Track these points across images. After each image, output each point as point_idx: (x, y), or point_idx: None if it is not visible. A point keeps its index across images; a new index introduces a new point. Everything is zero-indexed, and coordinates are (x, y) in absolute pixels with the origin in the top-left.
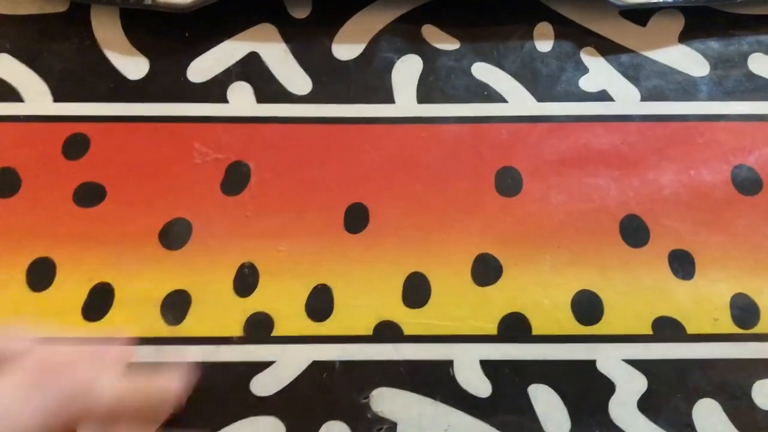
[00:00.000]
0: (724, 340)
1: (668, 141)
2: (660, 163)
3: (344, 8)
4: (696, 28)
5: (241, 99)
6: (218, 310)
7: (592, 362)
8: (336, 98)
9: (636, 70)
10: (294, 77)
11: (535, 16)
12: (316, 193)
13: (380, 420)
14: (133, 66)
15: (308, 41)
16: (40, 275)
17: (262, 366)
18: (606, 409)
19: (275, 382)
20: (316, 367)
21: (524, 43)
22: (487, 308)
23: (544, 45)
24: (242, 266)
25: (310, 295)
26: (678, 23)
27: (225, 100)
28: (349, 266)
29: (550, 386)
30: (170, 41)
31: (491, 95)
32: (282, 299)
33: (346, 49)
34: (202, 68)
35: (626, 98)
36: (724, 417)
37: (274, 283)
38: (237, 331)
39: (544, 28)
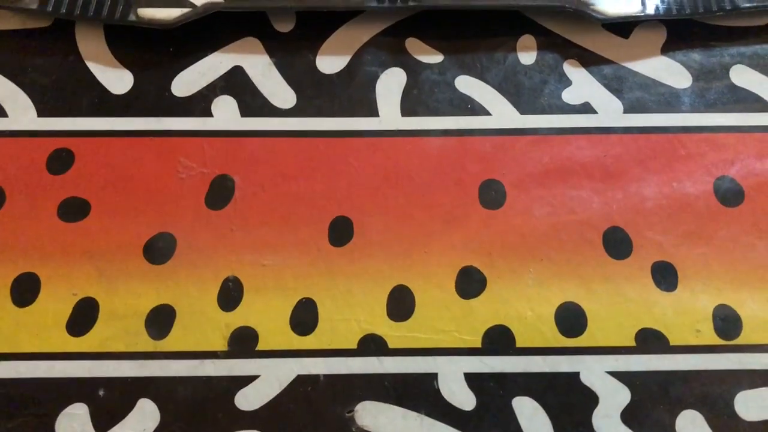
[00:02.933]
0: (706, 352)
1: (651, 153)
2: (643, 175)
3: (328, 22)
4: (678, 40)
5: (226, 113)
6: (202, 325)
7: (576, 374)
8: (320, 112)
9: (619, 83)
10: (278, 91)
11: (518, 28)
12: (301, 206)
13: None
14: (118, 80)
15: (292, 55)
16: (25, 290)
17: (246, 380)
18: (590, 422)
19: (260, 396)
20: (301, 381)
21: (507, 55)
22: (471, 321)
23: (527, 57)
24: (226, 280)
25: (294, 309)
26: (660, 35)
27: (209, 114)
28: (333, 280)
29: (534, 399)
30: (154, 55)
31: (475, 108)
32: (266, 313)
33: (330, 62)
34: (186, 82)
35: (609, 110)
36: (707, 428)
37: (259, 297)
38: (221, 345)
39: (527, 40)
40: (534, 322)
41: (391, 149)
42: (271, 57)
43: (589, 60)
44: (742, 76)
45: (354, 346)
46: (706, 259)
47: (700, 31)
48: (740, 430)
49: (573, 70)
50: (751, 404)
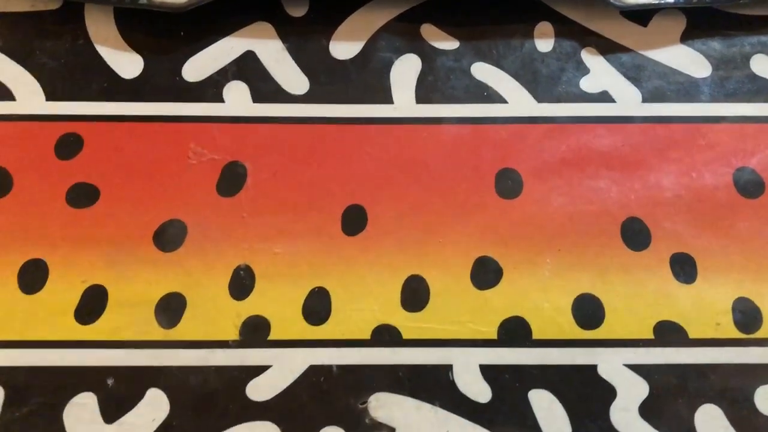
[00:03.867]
0: (726, 345)
1: (670, 143)
2: (661, 165)
3: (342, 6)
4: (698, 28)
5: (237, 98)
6: (213, 314)
7: (593, 367)
8: (334, 98)
9: (637, 71)
10: (291, 76)
11: (535, 15)
12: (314, 194)
13: (378, 425)
14: (128, 65)
15: (305, 40)
16: (32, 277)
17: (258, 370)
18: (607, 415)
19: (272, 386)
20: (313, 371)
21: (524, 42)
22: (486, 312)
23: (544, 45)
24: (238, 268)
25: (307, 298)
26: (680, 23)
27: (221, 100)
28: (346, 269)
29: (550, 391)
30: (165, 39)
31: (491, 96)
32: (278, 302)
33: (344, 48)
34: (197, 67)
35: (627, 99)
36: (726, 422)
37: (271, 285)
38: (233, 334)
39: (544, 27)
40: (551, 314)
41: (406, 137)
42: (283, 42)
43: (607, 48)
44: (763, 65)
45: (367, 336)
46: (725, 251)
47: (719, 20)
48: (760, 425)
49: (591, 58)
50: None
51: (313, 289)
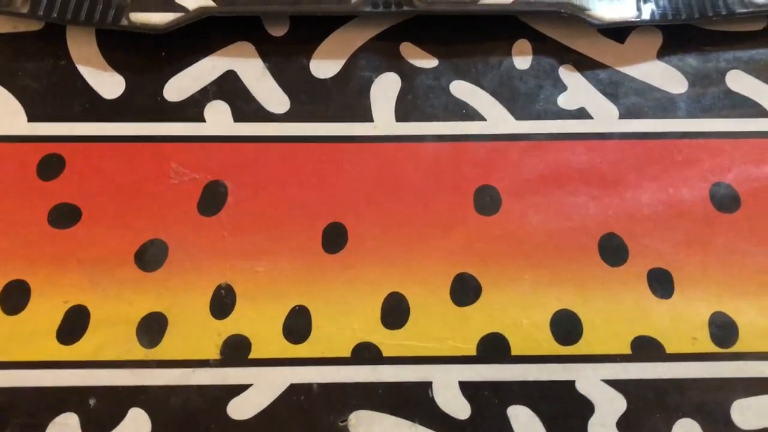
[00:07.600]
0: (702, 360)
1: (647, 159)
2: (639, 181)
3: (322, 26)
4: (674, 44)
5: (218, 118)
6: (195, 333)
7: (572, 383)
8: (314, 117)
9: (614, 88)
10: (272, 95)
11: (513, 33)
12: (294, 212)
13: None
14: (109, 85)
15: (286, 59)
16: (14, 298)
17: (239, 389)
18: (585, 430)
19: (252, 405)
20: (294, 390)
21: (503, 60)
22: (465, 329)
23: (522, 62)
24: (219, 288)
25: (287, 316)
26: (656, 40)
27: (202, 119)
28: (327, 287)
29: (529, 407)
30: (147, 60)
31: (470, 113)
32: (259, 321)
33: (324, 67)
34: (178, 87)
35: (605, 116)
36: None
37: (252, 304)
38: (213, 353)
39: (522, 45)
40: (529, 330)
41: (386, 155)
42: (264, 61)
43: (585, 65)
44: (739, 81)
45: (348, 354)
46: (702, 266)
47: (696, 36)
48: None
49: (568, 75)
50: (747, 412)
51: (294, 308)
